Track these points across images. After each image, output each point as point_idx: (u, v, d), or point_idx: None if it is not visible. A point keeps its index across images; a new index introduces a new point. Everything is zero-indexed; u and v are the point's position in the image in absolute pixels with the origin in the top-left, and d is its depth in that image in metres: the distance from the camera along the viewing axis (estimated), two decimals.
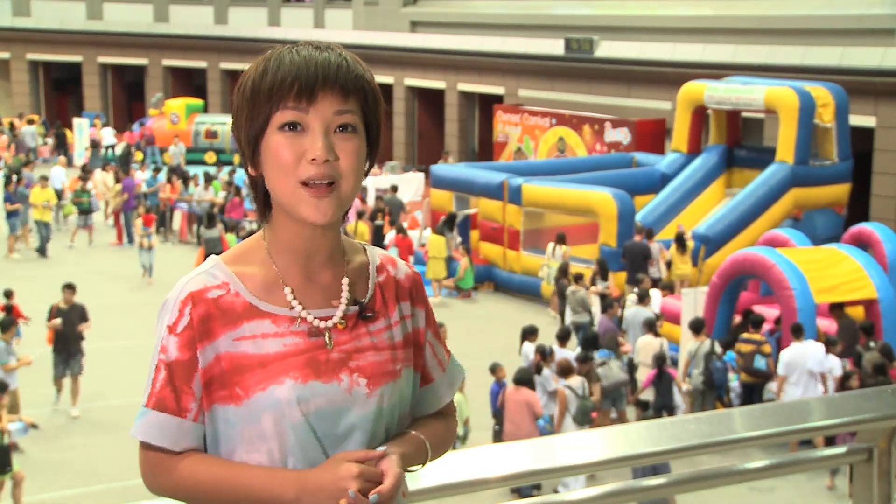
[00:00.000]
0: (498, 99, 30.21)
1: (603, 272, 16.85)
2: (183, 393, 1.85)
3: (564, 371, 11.80)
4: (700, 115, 20.71)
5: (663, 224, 19.31)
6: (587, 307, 15.76)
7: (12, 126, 35.11)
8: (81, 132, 33.93)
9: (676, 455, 2.73)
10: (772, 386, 12.56)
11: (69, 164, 28.90)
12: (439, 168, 22.38)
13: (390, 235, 20.48)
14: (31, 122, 35.79)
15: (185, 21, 38.00)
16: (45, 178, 22.82)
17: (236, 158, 29.90)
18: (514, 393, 11.36)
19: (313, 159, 1.81)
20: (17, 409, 11.90)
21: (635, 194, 19.39)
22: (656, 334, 13.58)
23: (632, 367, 13.42)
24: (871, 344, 12.50)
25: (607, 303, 15.34)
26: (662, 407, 12.23)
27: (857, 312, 13.73)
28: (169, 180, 24.44)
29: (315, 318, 1.88)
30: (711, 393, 12.76)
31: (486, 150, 31.12)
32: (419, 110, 33.41)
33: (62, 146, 33.59)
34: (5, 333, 12.52)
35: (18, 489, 10.75)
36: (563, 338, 13.56)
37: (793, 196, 18.67)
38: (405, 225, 21.51)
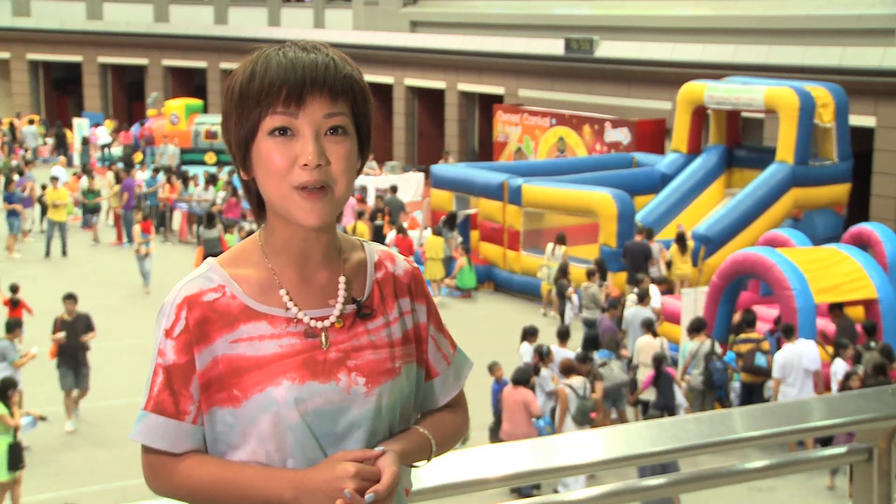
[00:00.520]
0: (498, 99, 30.21)
1: (601, 272, 16.85)
2: (181, 396, 1.85)
3: (567, 370, 11.81)
4: (700, 115, 20.71)
5: (663, 224, 19.30)
6: (599, 304, 15.75)
7: (12, 126, 35.13)
8: (81, 132, 33.96)
9: (676, 455, 2.73)
10: (770, 383, 12.56)
11: (69, 164, 28.90)
12: (439, 168, 22.38)
13: (391, 236, 20.48)
14: (31, 121, 35.82)
15: (185, 21, 38.01)
16: (55, 178, 22.89)
17: None
18: (511, 392, 11.41)
19: (305, 164, 1.81)
20: (21, 406, 11.92)
21: (635, 194, 19.38)
22: (654, 334, 13.59)
23: (631, 368, 13.42)
24: (872, 344, 12.49)
25: (610, 303, 15.34)
26: (664, 406, 12.23)
27: (857, 312, 13.72)
28: (168, 180, 24.46)
29: (311, 318, 1.88)
30: (711, 393, 12.76)
31: (486, 150, 31.13)
32: (419, 110, 33.41)
33: (62, 146, 33.61)
34: (10, 333, 12.55)
35: (17, 488, 10.77)
36: (562, 337, 13.57)
37: (793, 196, 18.66)
38: (405, 225, 21.50)
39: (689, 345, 13.00)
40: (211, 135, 32.17)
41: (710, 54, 24.31)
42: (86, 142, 32.49)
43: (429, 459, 1.98)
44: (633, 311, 14.68)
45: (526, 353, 13.08)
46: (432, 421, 2.02)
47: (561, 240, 18.32)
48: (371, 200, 24.69)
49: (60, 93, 41.78)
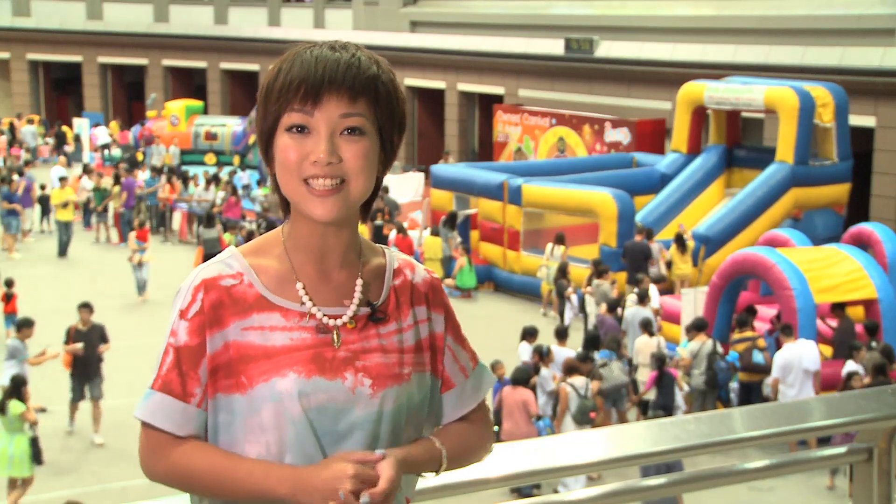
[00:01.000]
0: (498, 99, 30.21)
1: (600, 272, 16.84)
2: (189, 378, 1.85)
3: (569, 370, 11.82)
4: (700, 115, 20.71)
5: (663, 224, 19.30)
6: (611, 302, 15.74)
7: (12, 126, 35.12)
8: (80, 131, 33.97)
9: (677, 455, 2.73)
10: (769, 380, 12.55)
11: (69, 164, 28.90)
12: (439, 168, 22.39)
13: (392, 236, 20.48)
14: (30, 121, 35.81)
15: (185, 21, 38.01)
16: (63, 179, 22.88)
17: (236, 160, 29.91)
18: (511, 392, 11.43)
19: (315, 162, 1.82)
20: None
21: (635, 194, 19.38)
22: (651, 334, 13.59)
23: (632, 368, 13.42)
24: (873, 344, 12.49)
25: (613, 302, 15.33)
26: (663, 407, 12.23)
27: (858, 312, 13.72)
28: (169, 180, 24.49)
29: (325, 315, 1.89)
30: (712, 393, 12.76)
31: (486, 150, 31.13)
32: (419, 110, 33.42)
33: (62, 146, 33.61)
34: (20, 333, 12.54)
35: (27, 487, 10.79)
36: (561, 336, 13.58)
37: (793, 196, 18.67)
38: (405, 225, 21.51)
39: (690, 345, 12.99)
40: (211, 136, 32.18)
41: (710, 54, 24.31)
42: (77, 139, 32.60)
43: (438, 471, 1.96)
44: (633, 312, 14.68)
45: (524, 352, 13.09)
46: (448, 433, 2.01)
47: (560, 240, 18.32)
48: None
49: (60, 93, 41.80)
